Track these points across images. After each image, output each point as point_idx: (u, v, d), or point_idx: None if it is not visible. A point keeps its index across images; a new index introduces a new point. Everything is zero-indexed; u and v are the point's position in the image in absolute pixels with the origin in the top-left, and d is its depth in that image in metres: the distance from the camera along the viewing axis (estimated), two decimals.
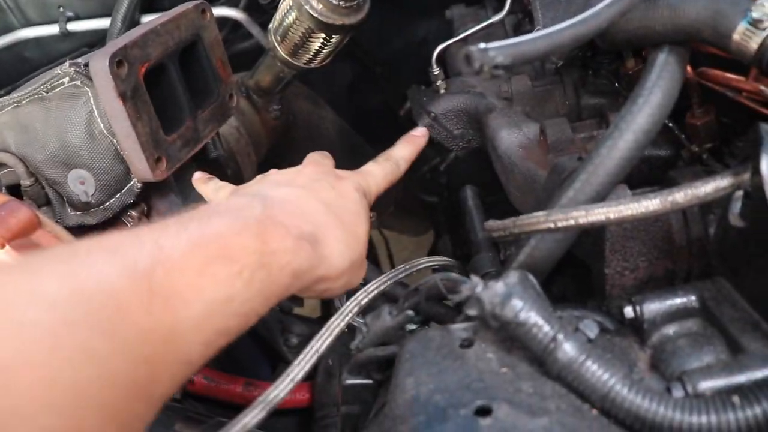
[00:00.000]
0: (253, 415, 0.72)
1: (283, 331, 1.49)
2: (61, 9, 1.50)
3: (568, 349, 0.60)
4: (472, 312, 0.63)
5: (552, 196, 0.78)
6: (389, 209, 1.77)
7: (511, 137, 1.07)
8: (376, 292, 0.85)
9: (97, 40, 1.51)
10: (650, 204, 0.63)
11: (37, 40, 1.51)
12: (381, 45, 1.80)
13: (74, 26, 1.47)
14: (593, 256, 0.82)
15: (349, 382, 0.86)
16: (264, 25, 1.41)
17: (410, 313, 0.76)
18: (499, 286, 0.62)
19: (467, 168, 1.48)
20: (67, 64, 0.89)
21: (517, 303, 0.61)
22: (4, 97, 0.96)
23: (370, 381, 0.85)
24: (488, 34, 1.36)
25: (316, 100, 1.60)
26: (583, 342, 0.60)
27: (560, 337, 0.60)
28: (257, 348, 1.50)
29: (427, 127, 1.22)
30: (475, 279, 0.63)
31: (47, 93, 0.92)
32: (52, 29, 1.47)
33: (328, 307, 1.88)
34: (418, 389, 0.62)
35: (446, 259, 1.00)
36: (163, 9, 1.43)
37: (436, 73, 1.26)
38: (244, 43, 1.51)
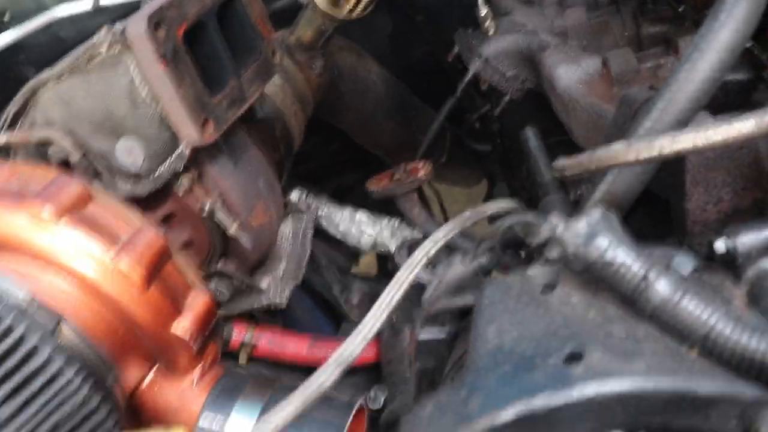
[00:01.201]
0: (328, 374, 0.71)
1: (343, 290, 1.48)
2: None
3: (661, 287, 0.55)
4: (553, 254, 0.59)
5: (623, 129, 0.74)
6: (441, 160, 1.73)
7: (570, 73, 1.03)
8: (443, 241, 0.82)
9: (130, 12, 1.48)
10: (743, 127, 0.58)
11: (71, 19, 1.49)
12: None
13: (106, 1, 1.45)
14: (671, 190, 0.77)
15: (423, 336, 0.83)
16: None
17: (484, 260, 0.73)
18: (581, 225, 0.58)
19: (520, 112, 1.43)
20: (103, 31, 0.87)
21: (602, 241, 0.57)
22: (46, 73, 0.95)
23: (443, 335, 0.82)
24: None
25: (360, 53, 1.56)
26: (676, 279, 0.56)
27: (652, 275, 0.56)
28: (318, 308, 1.49)
29: (480, 71, 1.17)
30: (554, 219, 0.59)
31: (86, 64, 0.90)
32: (85, 5, 1.45)
33: (385, 265, 1.87)
34: (501, 338, 0.59)
35: (513, 202, 0.96)
36: None
37: (483, 13, 1.21)
38: (280, 1, 1.48)
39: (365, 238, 1.38)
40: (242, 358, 1.25)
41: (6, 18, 1.49)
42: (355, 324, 1.48)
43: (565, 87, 1.01)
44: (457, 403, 0.59)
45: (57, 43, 1.52)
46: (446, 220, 1.65)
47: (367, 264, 1.97)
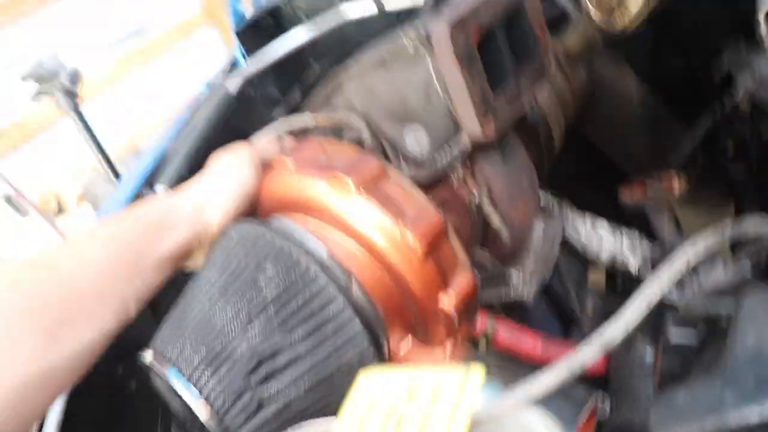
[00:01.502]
0: (558, 373, 0.75)
1: (579, 299, 1.51)
2: None
3: None
4: None
5: None
6: (691, 178, 1.71)
7: None
8: (697, 256, 0.83)
9: (411, 15, 1.63)
10: None
11: (358, 21, 1.67)
12: (686, 3, 1.73)
13: (389, 3, 1.61)
14: None
15: (674, 336, 0.86)
16: None
17: (747, 268, 0.75)
18: None
19: None
20: (411, 30, 0.99)
21: None
22: (353, 65, 1.09)
23: (694, 339, 0.84)
24: None
25: (619, 65, 1.59)
26: None
27: None
28: (553, 311, 1.54)
29: (751, 90, 1.16)
30: None
31: (391, 59, 1.03)
32: (369, 7, 1.62)
33: (614, 280, 1.87)
34: (762, 343, 0.62)
35: None
36: None
37: (765, 33, 1.19)
38: (549, 11, 1.54)
39: (605, 252, 1.40)
40: (482, 345, 1.34)
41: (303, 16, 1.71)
42: (586, 332, 1.51)
43: None
44: (711, 393, 0.61)
45: (341, 41, 1.71)
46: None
47: (594, 279, 1.98)
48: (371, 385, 0.61)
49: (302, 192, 0.96)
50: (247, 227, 0.93)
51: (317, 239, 0.93)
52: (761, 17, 1.18)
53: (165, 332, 0.89)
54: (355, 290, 0.91)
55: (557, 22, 1.43)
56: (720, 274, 0.78)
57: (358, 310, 0.89)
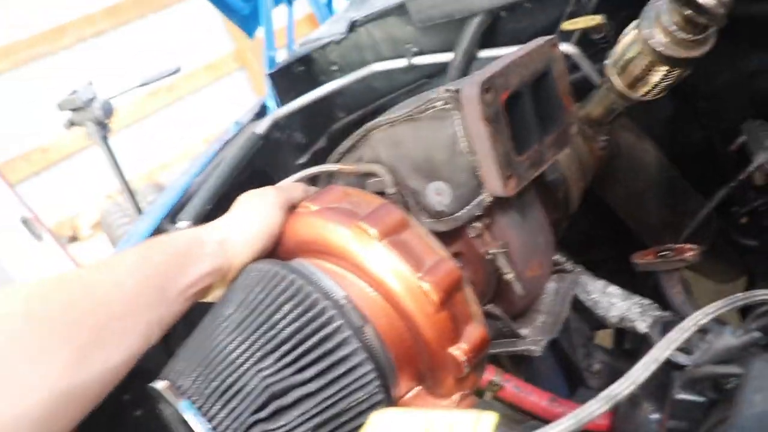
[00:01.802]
0: (565, 426, 0.76)
1: (586, 356, 1.52)
2: (409, 45, 1.71)
3: None
4: None
5: None
6: (703, 248, 1.73)
7: None
8: (706, 320, 0.85)
9: (436, 71, 1.69)
10: None
11: (385, 72, 1.72)
12: (707, 78, 1.77)
13: (418, 60, 1.67)
14: None
15: (681, 396, 0.87)
16: (592, 59, 1.48)
17: (756, 334, 0.77)
18: None
19: None
20: (442, 89, 1.03)
21: None
22: (382, 118, 1.13)
23: (702, 398, 0.86)
24: None
25: (639, 133, 1.63)
26: None
27: None
28: (560, 369, 1.55)
29: (766, 163, 1.19)
30: None
31: (420, 114, 1.06)
32: (400, 63, 1.67)
33: (621, 342, 1.88)
34: None
35: None
36: (498, 44, 1.57)
37: None
38: (570, 77, 1.59)
39: (614, 312, 1.42)
40: (487, 396, 1.35)
41: (334, 68, 1.76)
42: (592, 391, 1.52)
43: None
44: None
45: (369, 92, 1.77)
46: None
47: (601, 338, 1.99)
48: (384, 425, 0.63)
49: (324, 237, 0.99)
50: (268, 266, 0.96)
51: (335, 282, 0.96)
52: None
53: (179, 363, 0.91)
54: (369, 333, 0.93)
55: (581, 86, 1.47)
56: (730, 340, 0.80)
57: (370, 353, 0.91)
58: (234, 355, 0.88)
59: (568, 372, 1.59)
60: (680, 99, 1.84)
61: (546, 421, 1.34)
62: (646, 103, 1.34)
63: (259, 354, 0.87)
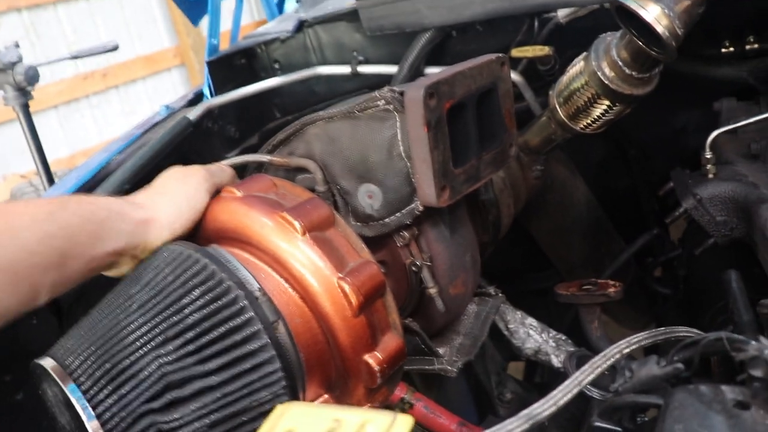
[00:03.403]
0: None
1: (498, 384, 1.51)
2: (355, 53, 1.68)
3: None
4: (756, 373, 0.62)
5: None
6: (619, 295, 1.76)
7: None
8: (620, 355, 0.85)
9: (380, 83, 1.66)
10: None
11: (328, 77, 1.70)
12: (639, 128, 1.82)
13: (363, 69, 1.64)
14: None
15: (599, 424, 0.86)
16: (535, 91, 1.49)
17: (680, 366, 0.76)
18: None
19: (715, 261, 1.44)
20: (386, 89, 1.00)
21: None
22: (320, 112, 1.09)
23: (619, 429, 0.84)
24: (761, 129, 1.35)
25: (572, 169, 1.65)
26: None
27: None
28: (471, 393, 1.53)
29: (691, 209, 1.21)
30: (765, 341, 0.62)
31: (360, 112, 1.04)
32: (344, 69, 1.65)
33: (533, 371, 1.89)
34: None
35: (702, 333, 0.98)
36: (445, 63, 1.57)
37: (708, 156, 1.26)
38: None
39: (530, 343, 1.42)
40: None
41: (277, 66, 1.72)
42: (500, 419, 1.51)
43: None
44: None
45: (309, 95, 1.74)
46: None
47: (515, 368, 1.99)
48: (288, 420, 0.58)
49: (245, 225, 0.94)
50: (182, 248, 0.91)
51: (251, 273, 0.91)
52: (708, 144, 1.25)
53: (69, 341, 0.84)
54: (281, 331, 0.89)
55: (521, 116, 1.47)
56: (653, 369, 0.80)
57: (279, 351, 0.86)
58: (132, 337, 0.82)
59: (479, 398, 1.57)
60: (613, 144, 1.89)
61: None
62: (581, 142, 1.35)
63: (159, 338, 0.82)
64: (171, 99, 1.77)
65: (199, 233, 0.99)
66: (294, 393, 0.89)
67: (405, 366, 1.20)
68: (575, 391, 0.76)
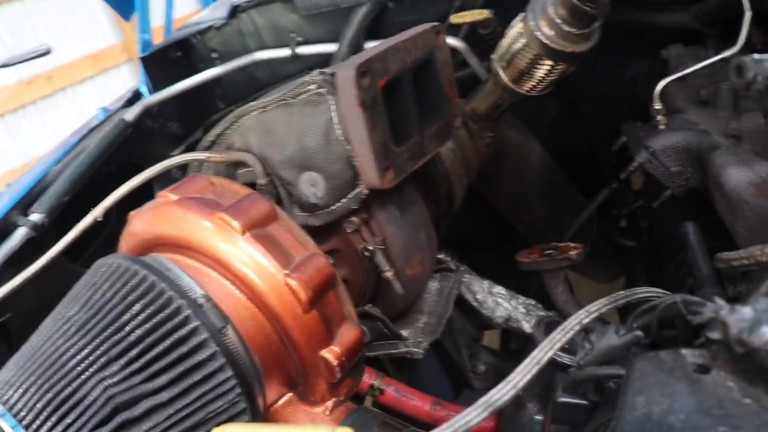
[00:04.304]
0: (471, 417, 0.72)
1: (471, 357, 1.49)
2: (293, 34, 1.63)
3: None
4: (714, 335, 0.60)
5: None
6: (585, 250, 1.75)
7: (741, 175, 1.02)
8: (591, 317, 0.83)
9: (321, 62, 1.62)
10: None
11: (269, 62, 1.64)
12: (589, 84, 1.80)
13: (303, 50, 1.59)
14: None
15: (564, 399, 0.84)
16: (480, 56, 1.45)
17: (639, 333, 0.74)
18: (747, 311, 0.59)
19: (674, 211, 1.43)
20: (315, 72, 0.96)
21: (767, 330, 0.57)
22: (253, 102, 1.05)
23: (584, 401, 0.82)
24: (710, 74, 1.33)
25: (525, 133, 1.62)
26: None
27: None
28: (443, 370, 1.51)
29: (645, 162, 1.19)
30: (720, 302, 0.60)
31: (293, 99, 0.99)
32: (283, 52, 1.59)
33: (508, 341, 1.87)
34: (650, 408, 0.60)
35: (666, 292, 0.96)
36: (386, 36, 1.52)
37: (658, 108, 1.24)
38: (457, 73, 1.56)
39: (500, 311, 1.40)
40: (367, 401, 1.29)
41: (215, 56, 1.66)
42: (477, 393, 1.49)
43: (734, 187, 1.01)
44: None
45: (251, 82, 1.68)
46: None
47: (490, 336, 1.98)
48: None
49: (183, 229, 0.90)
50: (118, 261, 0.86)
51: (194, 279, 0.87)
52: (656, 95, 1.22)
53: (8, 373, 0.80)
54: (231, 336, 0.85)
55: (468, 83, 1.44)
56: (613, 339, 0.77)
57: (230, 358, 0.83)
58: (73, 362, 0.78)
59: (453, 374, 1.55)
60: (564, 102, 1.86)
61: (429, 426, 1.30)
62: (531, 104, 1.32)
63: (102, 360, 0.78)
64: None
65: (136, 243, 0.95)
66: (251, 398, 0.86)
67: (370, 352, 1.18)
68: (535, 371, 0.74)
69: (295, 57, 1.58)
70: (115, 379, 0.77)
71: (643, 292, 0.92)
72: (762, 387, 0.60)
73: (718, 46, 1.40)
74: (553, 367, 0.92)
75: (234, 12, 1.65)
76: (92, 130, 1.48)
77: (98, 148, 1.37)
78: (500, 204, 1.70)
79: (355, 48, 1.50)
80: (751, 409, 0.58)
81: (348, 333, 0.93)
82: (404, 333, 1.18)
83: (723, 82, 1.25)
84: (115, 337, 0.79)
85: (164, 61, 1.64)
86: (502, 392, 0.71)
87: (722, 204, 1.05)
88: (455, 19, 1.41)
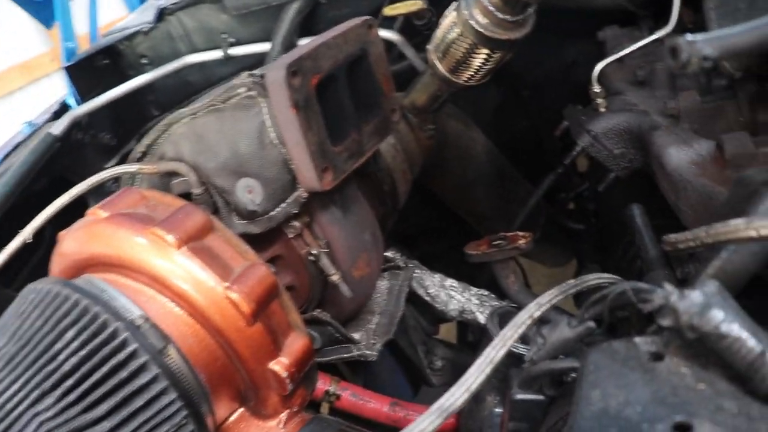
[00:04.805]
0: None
1: (427, 353, 1.48)
2: (224, 35, 1.58)
3: None
4: (665, 322, 0.59)
5: (738, 209, 0.73)
6: (534, 236, 1.74)
7: (681, 154, 1.02)
8: (545, 307, 0.81)
9: (256, 63, 1.57)
10: None
11: (201, 65, 1.59)
12: (529, 68, 1.79)
13: (235, 51, 1.54)
14: None
15: (520, 396, 0.82)
16: (417, 47, 1.43)
17: (592, 324, 0.72)
18: (696, 295, 0.57)
19: (620, 193, 1.43)
20: (244, 74, 0.93)
21: (717, 313, 0.56)
22: (183, 109, 1.01)
23: (541, 397, 0.81)
24: (646, 54, 1.33)
25: (467, 122, 1.60)
26: None
27: None
28: (400, 369, 1.49)
29: (587, 146, 1.18)
30: (668, 287, 0.59)
31: (223, 104, 0.96)
32: (215, 54, 1.55)
33: (465, 334, 1.86)
34: (607, 402, 0.59)
35: (617, 277, 0.96)
36: (319, 32, 1.49)
37: (597, 90, 1.23)
38: (395, 66, 1.53)
39: (453, 304, 1.39)
40: (324, 408, 1.26)
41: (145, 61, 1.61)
42: (436, 389, 1.48)
43: (675, 167, 1.01)
44: None
45: (184, 87, 1.63)
46: None
47: (448, 328, 1.97)
48: None
49: (115, 247, 0.85)
50: (48, 286, 0.82)
51: (130, 300, 0.83)
52: (594, 77, 1.22)
53: None
54: (173, 356, 0.81)
55: (407, 75, 1.42)
56: (565, 332, 0.76)
57: (174, 379, 0.79)
58: (3, 399, 0.74)
59: (410, 372, 1.53)
60: (506, 88, 1.85)
61: (390, 428, 1.27)
62: (472, 92, 1.31)
63: (35, 394, 0.74)
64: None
65: (66, 265, 0.90)
66: (199, 419, 0.82)
67: (323, 358, 1.16)
68: (488, 370, 0.72)
69: (228, 59, 1.53)
70: (50, 413, 0.73)
71: (593, 279, 0.91)
72: (715, 371, 0.59)
73: (651, 26, 1.41)
74: (511, 358, 0.90)
75: (161, 15, 1.60)
76: (17, 146, 1.41)
77: (24, 165, 1.30)
78: (447, 196, 1.68)
79: (289, 46, 1.46)
80: (705, 395, 0.57)
81: (296, 342, 0.90)
82: (356, 336, 1.15)
83: (658, 62, 1.25)
84: (48, 368, 0.75)
85: (91, 70, 1.57)
86: (456, 396, 0.69)
87: (665, 184, 1.05)
88: (389, 11, 1.38)
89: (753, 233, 0.62)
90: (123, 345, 0.77)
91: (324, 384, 1.23)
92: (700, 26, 1.07)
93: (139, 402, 0.76)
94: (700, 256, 0.82)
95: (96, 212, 0.90)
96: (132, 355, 0.77)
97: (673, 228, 1.05)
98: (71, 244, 0.90)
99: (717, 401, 0.56)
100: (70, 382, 0.74)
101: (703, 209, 0.95)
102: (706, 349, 0.58)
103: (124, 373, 0.76)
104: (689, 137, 1.05)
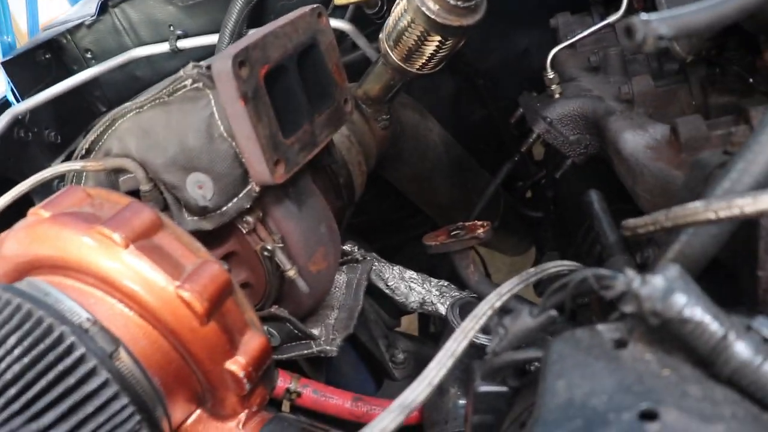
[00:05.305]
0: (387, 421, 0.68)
1: (389, 347, 1.46)
2: (172, 27, 1.54)
3: (741, 349, 0.54)
4: (628, 309, 0.57)
5: (695, 193, 0.73)
6: (493, 224, 1.74)
7: (637, 138, 1.02)
8: (507, 296, 0.80)
9: (205, 55, 1.54)
10: None
11: (148, 59, 1.55)
12: (483, 57, 1.79)
13: (183, 43, 1.51)
14: (742, 258, 0.75)
15: (483, 389, 0.81)
16: (369, 37, 1.41)
17: (554, 313, 0.71)
18: (658, 280, 0.56)
19: (576, 179, 1.43)
20: (190, 66, 0.89)
21: (680, 298, 0.55)
22: (128, 103, 0.97)
23: (505, 388, 0.80)
24: (598, 39, 1.34)
25: (422, 112, 1.58)
26: (758, 342, 0.54)
27: (731, 336, 0.54)
28: (362, 363, 1.47)
29: (543, 133, 1.18)
30: (630, 273, 0.57)
31: (169, 97, 0.92)
32: (163, 47, 1.51)
33: (426, 325, 1.85)
34: (572, 392, 0.57)
35: (577, 264, 0.95)
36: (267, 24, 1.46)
37: (551, 77, 1.23)
38: (347, 56, 1.51)
39: (414, 296, 1.38)
40: (285, 406, 1.24)
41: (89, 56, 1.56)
42: (399, 382, 1.46)
43: (631, 152, 1.00)
44: None
45: (132, 81, 1.59)
46: None
47: (410, 320, 1.96)
48: None
49: (59, 248, 0.82)
50: None
51: (77, 302, 0.79)
52: (548, 64, 1.21)
53: None
54: (124, 360, 0.78)
55: (359, 65, 1.40)
56: (527, 321, 0.75)
57: (125, 384, 0.76)
58: None
59: (373, 366, 1.52)
60: (461, 77, 1.84)
61: (353, 424, 1.26)
62: (427, 82, 1.29)
63: None
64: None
65: (7, 268, 0.86)
66: (153, 424, 0.80)
67: (282, 355, 1.13)
68: (450, 364, 0.70)
69: (176, 51, 1.50)
70: None
71: (553, 266, 0.90)
72: (678, 356, 0.58)
73: (602, 12, 1.41)
74: (473, 349, 0.89)
75: (104, 7, 1.55)
76: None
77: None
78: (404, 187, 1.66)
79: (238, 37, 1.43)
80: (670, 381, 0.56)
81: (252, 341, 0.88)
82: (315, 331, 1.13)
83: (611, 47, 1.25)
84: None
85: (31, 65, 1.52)
86: (417, 391, 0.67)
87: (622, 169, 1.05)
88: (339, 0, 1.36)
89: (712, 215, 0.62)
90: (69, 350, 0.74)
91: (284, 382, 1.21)
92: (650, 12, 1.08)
93: (89, 409, 0.73)
94: (659, 240, 0.82)
95: (38, 212, 0.86)
96: (79, 360, 0.74)
97: (630, 213, 1.06)
98: (13, 246, 0.86)
99: (682, 387, 0.55)
100: (13, 390, 0.71)
101: (660, 193, 0.95)
102: (669, 335, 0.57)
103: (71, 380, 0.73)
104: (644, 122, 1.05)
